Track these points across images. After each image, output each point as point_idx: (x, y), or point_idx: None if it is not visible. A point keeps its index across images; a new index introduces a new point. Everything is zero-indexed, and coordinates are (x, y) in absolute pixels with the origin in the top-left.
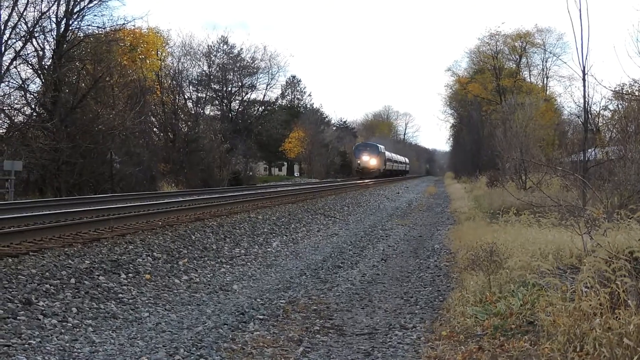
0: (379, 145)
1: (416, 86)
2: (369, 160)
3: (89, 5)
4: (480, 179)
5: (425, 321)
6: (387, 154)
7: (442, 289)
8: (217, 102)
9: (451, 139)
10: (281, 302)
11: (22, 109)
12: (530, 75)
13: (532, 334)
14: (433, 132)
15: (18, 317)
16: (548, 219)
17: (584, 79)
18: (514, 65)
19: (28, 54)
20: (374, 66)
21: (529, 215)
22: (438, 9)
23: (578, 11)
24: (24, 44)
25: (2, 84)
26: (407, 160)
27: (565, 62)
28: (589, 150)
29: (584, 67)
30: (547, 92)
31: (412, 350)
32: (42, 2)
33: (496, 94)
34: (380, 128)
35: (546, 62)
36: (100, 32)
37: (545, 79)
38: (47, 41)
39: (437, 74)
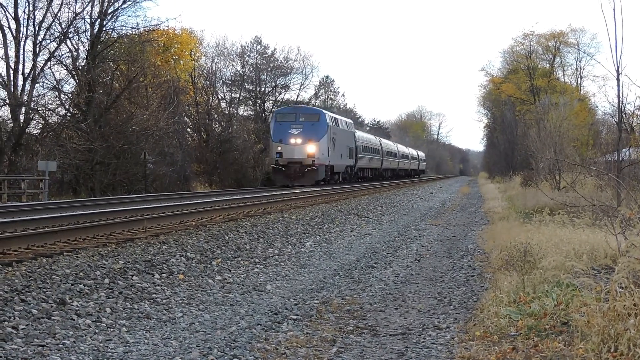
0: (330, 115)
1: (449, 86)
2: (305, 147)
3: (123, 6)
4: (514, 179)
5: (459, 321)
6: (362, 136)
7: (475, 289)
8: (250, 102)
9: (485, 138)
10: (315, 302)
11: (56, 110)
12: (564, 74)
13: (566, 335)
14: (466, 132)
15: (52, 317)
16: (582, 219)
17: (618, 79)
18: (548, 65)
19: (62, 54)
20: (408, 66)
21: (563, 215)
22: (472, 9)
23: (612, 10)
24: (58, 45)
25: (37, 85)
26: (420, 155)
27: (599, 62)
28: (623, 150)
29: (618, 67)
30: (581, 92)
31: (446, 350)
32: (76, 3)
33: (530, 93)
34: (413, 128)
35: (580, 61)
36: (134, 32)
37: (579, 78)
38: (81, 42)
39: (470, 74)
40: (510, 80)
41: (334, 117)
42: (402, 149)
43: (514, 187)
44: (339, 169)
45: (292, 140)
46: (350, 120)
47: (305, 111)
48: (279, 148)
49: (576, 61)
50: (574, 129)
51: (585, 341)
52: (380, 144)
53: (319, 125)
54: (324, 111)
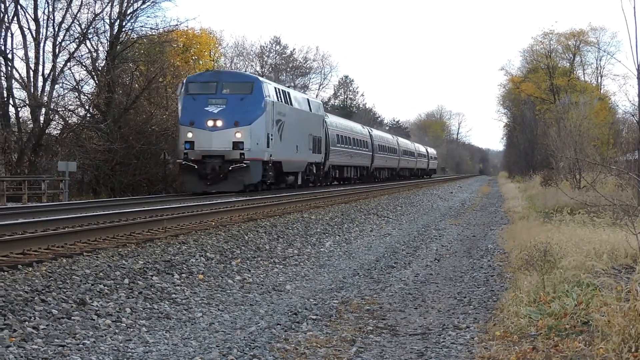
0: (273, 86)
1: (469, 86)
2: (229, 134)
3: (142, 7)
4: (534, 179)
5: (479, 321)
6: (337, 123)
7: (495, 289)
8: None
9: (504, 138)
10: (334, 302)
11: (76, 110)
12: (584, 73)
13: (587, 334)
14: (486, 131)
15: (72, 317)
16: (602, 219)
17: (638, 77)
18: (568, 64)
19: (82, 55)
20: (427, 66)
21: (583, 214)
22: (492, 8)
23: (632, 9)
24: (78, 46)
25: (57, 86)
26: (431, 152)
27: (619, 61)
28: None
29: (638, 65)
30: (601, 91)
31: (466, 350)
32: (95, 4)
33: (550, 93)
34: (433, 127)
35: (600, 60)
36: (153, 33)
37: (599, 77)
38: (101, 43)
39: (490, 73)
40: (530, 79)
41: (282, 90)
42: (405, 143)
43: (534, 187)
44: (293, 168)
45: (210, 123)
46: (317, 101)
47: (231, 79)
48: (190, 134)
49: (596, 60)
50: (594, 128)
51: (605, 341)
52: (371, 135)
53: (253, 101)
54: (263, 80)
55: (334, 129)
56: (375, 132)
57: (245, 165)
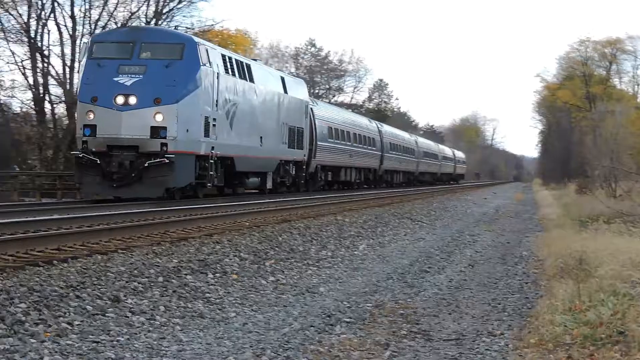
0: (218, 51)
1: (504, 91)
2: (146, 115)
3: (178, 6)
4: (569, 186)
5: (513, 328)
6: (331, 113)
7: (530, 296)
8: None
9: (539, 145)
10: (368, 306)
11: None
12: (620, 82)
13: (623, 344)
14: (521, 137)
15: (107, 314)
16: (639, 228)
17: None
18: (604, 71)
19: None
20: (462, 71)
21: (620, 223)
22: (528, 14)
23: None
24: None
25: None
26: (458, 156)
27: None
28: None
29: None
30: (638, 100)
31: (500, 357)
32: (132, 3)
33: (585, 100)
34: (467, 133)
35: (637, 69)
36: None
37: (635, 86)
38: None
39: (525, 79)
40: (565, 86)
41: (237, 60)
42: (426, 144)
43: (569, 195)
44: (255, 167)
45: (120, 100)
46: (297, 79)
47: (153, 38)
48: (91, 115)
49: (633, 68)
50: (630, 136)
51: None
52: (380, 130)
53: (184, 69)
54: (201, 41)
55: (325, 120)
56: (386, 128)
57: (168, 162)
